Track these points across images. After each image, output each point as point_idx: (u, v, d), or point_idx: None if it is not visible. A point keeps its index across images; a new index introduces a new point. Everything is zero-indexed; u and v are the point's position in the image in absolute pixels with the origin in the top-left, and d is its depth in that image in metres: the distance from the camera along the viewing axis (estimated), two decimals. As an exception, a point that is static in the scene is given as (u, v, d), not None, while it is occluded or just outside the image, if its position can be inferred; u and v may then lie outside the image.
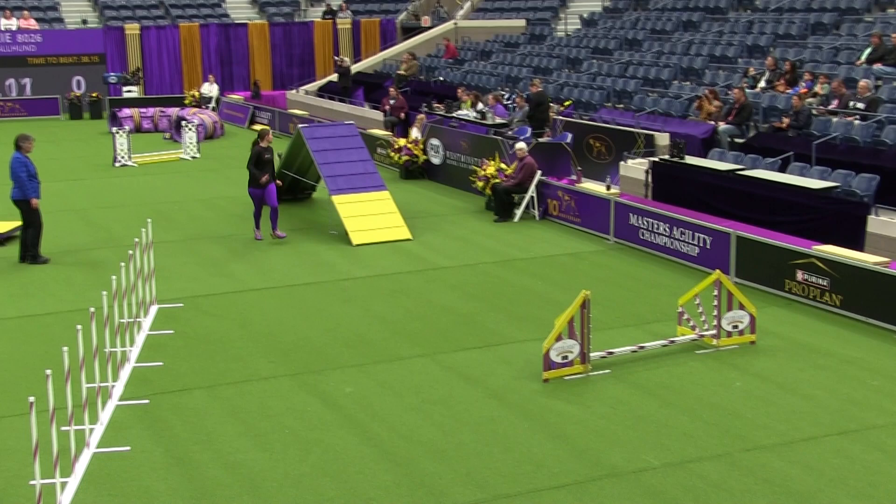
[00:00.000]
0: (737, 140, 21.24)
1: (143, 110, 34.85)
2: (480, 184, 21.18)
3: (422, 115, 26.62)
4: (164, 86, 41.55)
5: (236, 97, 39.12)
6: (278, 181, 18.78)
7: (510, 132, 23.76)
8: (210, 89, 38.55)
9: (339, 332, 13.66)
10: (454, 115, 26.25)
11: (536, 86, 25.03)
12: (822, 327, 13.60)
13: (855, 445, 10.04)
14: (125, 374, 12.11)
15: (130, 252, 13.41)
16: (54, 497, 8.98)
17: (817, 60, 24.01)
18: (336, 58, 39.83)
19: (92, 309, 10.82)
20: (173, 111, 33.89)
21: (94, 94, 38.79)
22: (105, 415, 10.92)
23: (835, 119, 20.01)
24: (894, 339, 13.08)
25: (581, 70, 30.36)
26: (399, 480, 9.41)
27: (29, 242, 17.09)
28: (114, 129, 28.96)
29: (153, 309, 14.58)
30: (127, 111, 34.49)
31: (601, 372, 12.03)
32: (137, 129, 33.70)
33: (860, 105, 20.02)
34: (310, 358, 12.68)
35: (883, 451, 9.92)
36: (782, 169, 18.76)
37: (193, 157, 28.68)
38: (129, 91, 38.27)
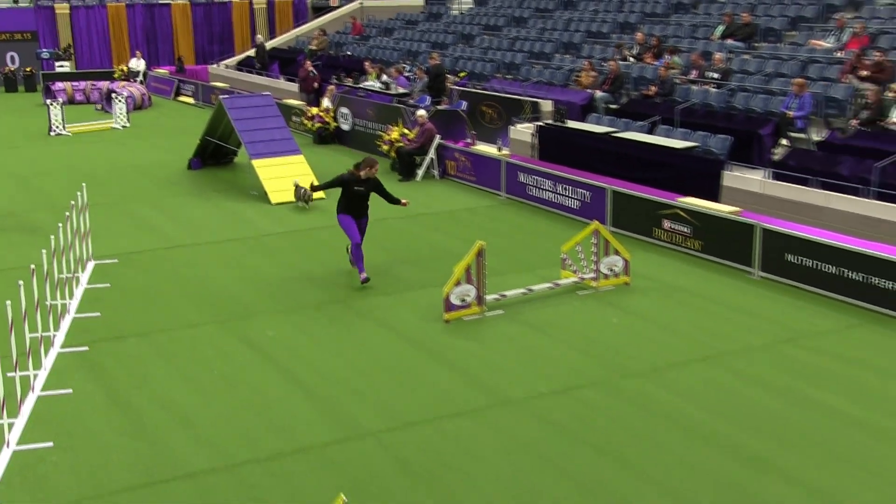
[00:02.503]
0: (611, 106, 21.44)
1: (76, 83, 33.80)
2: (386, 147, 21.10)
3: (332, 87, 26.35)
4: (94, 61, 40.36)
5: (162, 71, 38.22)
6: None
7: (411, 101, 23.64)
8: (137, 64, 37.52)
9: (261, 282, 13.52)
10: (361, 86, 26.04)
11: (434, 59, 24.93)
12: (686, 269, 13.87)
13: (713, 370, 10.30)
14: (65, 324, 11.83)
15: (67, 213, 13.09)
16: (3, 436, 8.79)
17: (679, 36, 24.31)
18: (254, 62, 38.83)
19: (32, 266, 10.54)
20: (104, 84, 32.97)
21: (28, 69, 37.48)
22: (48, 361, 10.67)
23: (694, 87, 20.32)
24: (746, 277, 13.42)
25: (474, 45, 30.25)
26: (318, 413, 9.39)
27: None
28: (48, 101, 28.13)
29: (90, 265, 14.24)
30: (60, 84, 33.46)
31: (495, 312, 12.11)
32: (70, 101, 32.73)
33: (715, 75, 20.34)
34: (235, 306, 12.53)
35: (736, 373, 10.19)
36: (651, 131, 19.01)
37: (124, 127, 27.99)
38: (61, 66, 37.03)
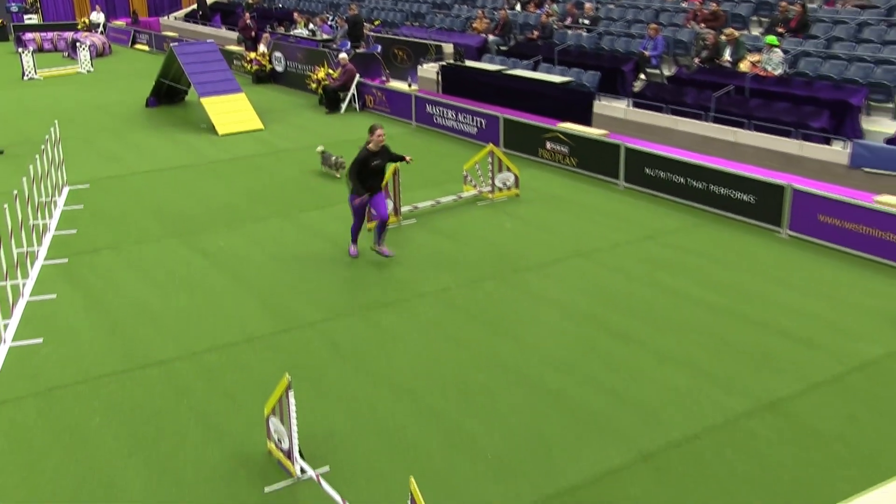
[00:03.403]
0: (502, 48, 21.29)
1: (44, 34, 32.17)
2: (314, 85, 20.72)
3: (267, 34, 25.61)
4: (58, 14, 38.39)
5: (119, 23, 36.54)
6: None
7: (334, 45, 23.14)
8: (98, 17, 35.78)
9: (212, 201, 13.26)
10: (291, 33, 25.35)
11: (353, 10, 24.33)
12: (565, 182, 14.03)
13: (587, 263, 10.53)
14: (47, 240, 11.47)
15: (43, 146, 12.61)
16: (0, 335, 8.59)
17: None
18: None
19: (15, 192, 10.15)
20: (69, 34, 31.45)
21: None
22: (34, 272, 10.37)
23: (569, 32, 20.26)
24: (613, 188, 13.63)
25: (387, -3, 29.57)
26: (264, 309, 9.35)
27: None
28: (19, 50, 26.83)
29: (65, 190, 13.76)
30: (30, 35, 31.82)
31: (409, 221, 12.13)
32: (39, 49, 31.22)
33: (586, 21, 20.31)
34: (191, 222, 12.28)
35: (604, 266, 10.43)
36: (534, 68, 18.97)
37: (88, 71, 26.84)
38: (29, 18, 35.23)
